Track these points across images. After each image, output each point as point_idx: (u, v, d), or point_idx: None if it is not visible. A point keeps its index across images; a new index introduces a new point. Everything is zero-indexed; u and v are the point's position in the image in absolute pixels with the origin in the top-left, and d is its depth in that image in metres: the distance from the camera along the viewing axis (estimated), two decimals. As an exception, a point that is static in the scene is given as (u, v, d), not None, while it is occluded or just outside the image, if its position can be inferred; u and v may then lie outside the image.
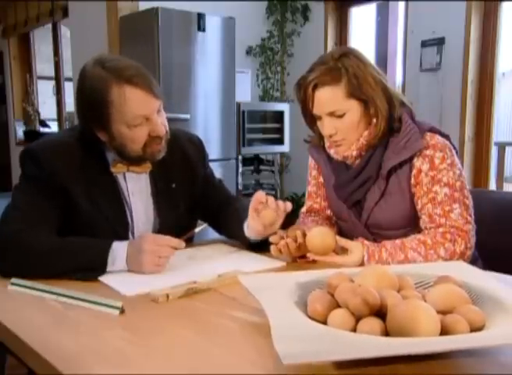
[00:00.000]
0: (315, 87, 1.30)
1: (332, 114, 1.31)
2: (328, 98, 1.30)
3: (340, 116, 1.30)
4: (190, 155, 1.47)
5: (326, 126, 1.33)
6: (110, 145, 1.29)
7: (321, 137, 1.42)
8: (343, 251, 1.27)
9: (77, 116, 1.32)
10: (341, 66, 1.29)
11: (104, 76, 1.21)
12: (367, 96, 1.29)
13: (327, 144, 1.42)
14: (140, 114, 1.23)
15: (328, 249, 1.23)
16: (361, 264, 1.23)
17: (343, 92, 1.29)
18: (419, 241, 1.26)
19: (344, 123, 1.31)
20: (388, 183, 1.35)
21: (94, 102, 1.23)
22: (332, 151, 1.40)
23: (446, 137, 1.36)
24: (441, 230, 1.27)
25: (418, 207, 1.33)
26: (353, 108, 1.30)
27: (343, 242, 1.25)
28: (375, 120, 1.32)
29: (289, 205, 1.27)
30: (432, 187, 1.29)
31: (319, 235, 1.23)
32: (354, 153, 1.35)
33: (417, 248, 1.24)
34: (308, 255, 1.24)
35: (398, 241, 1.27)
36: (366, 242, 1.26)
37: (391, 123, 1.33)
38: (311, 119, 1.38)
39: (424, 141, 1.31)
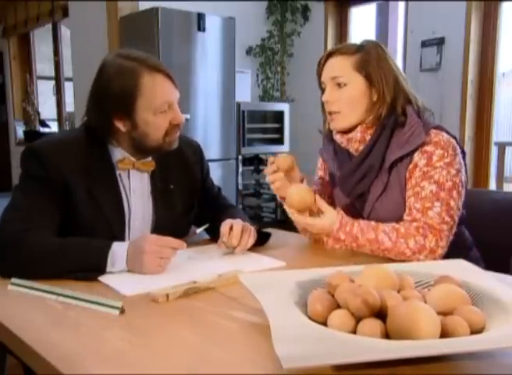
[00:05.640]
0: (329, 55, 1.38)
1: (334, 79, 1.35)
2: (336, 64, 1.36)
3: (342, 86, 1.34)
4: (189, 159, 1.50)
5: (326, 93, 1.37)
6: (129, 136, 1.31)
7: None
8: (320, 213, 1.31)
9: (92, 109, 1.32)
10: (363, 46, 1.36)
11: (133, 65, 1.27)
12: (374, 76, 1.33)
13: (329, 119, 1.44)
14: (167, 100, 1.29)
15: (305, 207, 1.28)
16: (330, 233, 1.28)
17: (351, 63, 1.34)
18: (393, 227, 1.29)
19: (343, 94, 1.34)
20: (390, 177, 1.35)
21: (122, 91, 1.26)
22: (337, 137, 1.42)
23: (453, 137, 1.36)
24: (414, 224, 1.28)
25: (405, 199, 1.34)
26: (356, 82, 1.34)
27: (321, 203, 1.30)
28: (375, 98, 1.34)
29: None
30: (420, 181, 1.30)
31: (298, 192, 1.29)
32: (358, 136, 1.36)
33: (390, 233, 1.27)
34: (286, 208, 1.30)
35: (373, 222, 1.31)
36: (342, 213, 1.29)
37: (395, 114, 1.33)
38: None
39: (427, 137, 1.31)
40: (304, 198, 1.28)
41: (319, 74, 1.41)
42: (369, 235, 1.26)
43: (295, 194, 1.29)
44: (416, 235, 1.26)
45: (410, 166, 1.32)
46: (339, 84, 1.34)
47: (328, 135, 1.49)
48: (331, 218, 1.28)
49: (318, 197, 1.31)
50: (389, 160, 1.34)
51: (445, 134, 1.33)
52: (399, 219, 1.33)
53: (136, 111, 1.27)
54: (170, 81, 1.30)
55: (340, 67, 1.35)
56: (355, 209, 1.42)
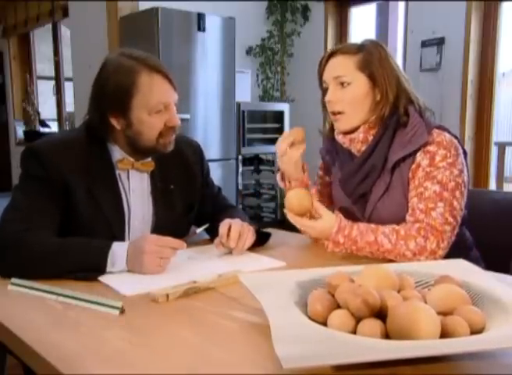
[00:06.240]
0: (331, 55, 1.37)
1: (337, 79, 1.34)
2: (339, 63, 1.36)
3: (345, 86, 1.34)
4: (189, 159, 1.50)
5: (329, 92, 1.36)
6: (124, 135, 1.32)
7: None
8: (319, 216, 1.32)
9: (91, 106, 1.34)
10: (364, 45, 1.36)
11: (132, 64, 1.28)
12: (377, 75, 1.33)
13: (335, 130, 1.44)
14: (163, 101, 1.29)
15: (304, 210, 1.29)
16: (329, 236, 1.27)
17: (354, 62, 1.34)
18: (393, 229, 1.28)
19: (346, 94, 1.34)
20: (392, 177, 1.35)
21: (119, 89, 1.26)
22: (339, 137, 1.41)
23: (455, 137, 1.36)
24: (417, 225, 1.27)
25: (408, 200, 1.33)
26: (360, 82, 1.33)
27: (318, 207, 1.30)
28: (378, 97, 1.34)
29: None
30: (423, 181, 1.30)
31: (296, 196, 1.30)
32: (361, 136, 1.36)
33: (390, 234, 1.26)
34: (285, 211, 1.31)
35: (373, 224, 1.30)
36: (341, 216, 1.29)
37: (398, 114, 1.34)
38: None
39: (430, 137, 1.31)
40: (302, 202, 1.29)
41: (320, 74, 1.40)
42: (368, 237, 1.26)
43: (293, 198, 1.30)
44: (417, 237, 1.25)
45: (413, 166, 1.32)
46: (342, 84, 1.34)
47: (329, 135, 1.49)
48: (329, 221, 1.28)
49: (315, 201, 1.31)
50: (391, 160, 1.33)
51: (447, 134, 1.33)
52: (401, 219, 1.33)
53: (131, 109, 1.28)
54: (169, 83, 1.30)
55: (343, 66, 1.34)
56: (356, 210, 1.41)
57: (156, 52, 3.18)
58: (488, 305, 0.84)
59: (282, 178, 1.48)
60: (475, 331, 0.76)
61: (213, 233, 1.42)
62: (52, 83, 5.72)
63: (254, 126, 3.88)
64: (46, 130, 5.81)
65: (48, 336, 0.86)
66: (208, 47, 3.45)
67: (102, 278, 1.14)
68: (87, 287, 1.08)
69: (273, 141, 4.49)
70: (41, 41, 6.25)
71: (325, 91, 1.40)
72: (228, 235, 1.33)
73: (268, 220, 4.06)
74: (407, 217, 1.31)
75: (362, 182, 1.38)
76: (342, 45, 1.39)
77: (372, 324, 0.76)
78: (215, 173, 3.46)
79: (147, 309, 0.98)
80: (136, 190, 1.38)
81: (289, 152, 1.40)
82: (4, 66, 6.21)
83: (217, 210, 1.52)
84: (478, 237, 1.46)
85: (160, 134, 1.31)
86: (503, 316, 0.79)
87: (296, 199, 1.30)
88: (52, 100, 5.88)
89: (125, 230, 1.35)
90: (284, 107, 4.04)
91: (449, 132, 1.35)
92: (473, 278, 0.92)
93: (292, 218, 1.31)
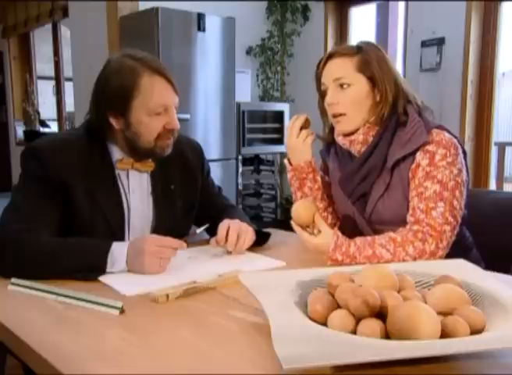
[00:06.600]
0: (329, 57, 1.37)
1: (337, 81, 1.34)
2: (338, 66, 1.36)
3: (345, 88, 1.34)
4: (190, 159, 1.50)
5: (329, 95, 1.36)
6: (123, 135, 1.32)
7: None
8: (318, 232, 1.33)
9: (92, 105, 1.34)
10: (361, 46, 1.36)
11: (135, 65, 1.28)
12: (377, 76, 1.33)
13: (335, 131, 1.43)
14: (163, 103, 1.29)
15: (307, 222, 1.31)
16: (326, 252, 1.26)
17: (353, 64, 1.34)
18: (390, 238, 1.27)
19: (347, 95, 1.34)
20: (392, 177, 1.35)
21: (120, 89, 1.27)
22: (339, 139, 1.41)
23: (454, 137, 1.36)
24: (415, 227, 1.27)
25: (409, 200, 1.33)
26: (360, 83, 1.34)
27: (318, 222, 1.30)
28: (378, 98, 1.34)
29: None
30: (424, 181, 1.30)
31: (302, 207, 1.32)
32: (361, 137, 1.36)
33: (387, 244, 1.26)
34: (291, 222, 1.32)
35: (369, 237, 1.29)
36: (338, 233, 1.29)
37: (397, 114, 1.34)
38: (324, 108, 1.41)
39: (430, 137, 1.31)
40: (307, 213, 1.30)
41: (318, 77, 1.40)
42: (366, 252, 1.25)
43: (297, 209, 1.32)
44: (414, 241, 1.25)
45: (413, 165, 1.32)
46: (341, 85, 1.34)
47: (329, 138, 1.49)
48: (326, 238, 1.27)
49: (317, 216, 1.30)
50: (391, 160, 1.33)
51: (446, 134, 1.33)
52: (401, 219, 1.33)
53: (131, 110, 1.28)
54: (170, 86, 1.30)
55: (343, 68, 1.34)
56: (356, 211, 1.41)
57: (156, 52, 3.18)
58: (488, 305, 0.84)
59: (290, 162, 1.53)
60: (475, 331, 0.76)
61: (213, 233, 1.42)
62: (52, 83, 5.73)
63: (254, 126, 3.87)
64: (46, 130, 5.82)
65: (48, 336, 0.86)
66: (208, 47, 3.45)
67: (102, 278, 1.14)
68: (87, 287, 1.08)
69: (273, 141, 4.45)
70: (41, 41, 6.25)
71: (322, 94, 1.40)
72: (226, 237, 1.33)
73: (268, 220, 4.06)
74: (408, 217, 1.31)
75: (362, 182, 1.38)
76: (339, 47, 1.39)
77: (372, 324, 0.76)
78: (215, 173, 3.44)
79: (147, 309, 0.98)
80: (136, 190, 1.38)
81: (303, 133, 1.46)
82: (4, 66, 6.22)
83: (217, 210, 1.52)
84: (478, 237, 1.46)
85: (158, 136, 1.31)
86: (503, 316, 0.79)
87: (301, 210, 1.31)
88: (52, 100, 5.88)
89: (125, 230, 1.35)
90: (284, 107, 4.04)
91: (448, 131, 1.35)
92: (473, 278, 0.92)
93: (295, 228, 1.32)
